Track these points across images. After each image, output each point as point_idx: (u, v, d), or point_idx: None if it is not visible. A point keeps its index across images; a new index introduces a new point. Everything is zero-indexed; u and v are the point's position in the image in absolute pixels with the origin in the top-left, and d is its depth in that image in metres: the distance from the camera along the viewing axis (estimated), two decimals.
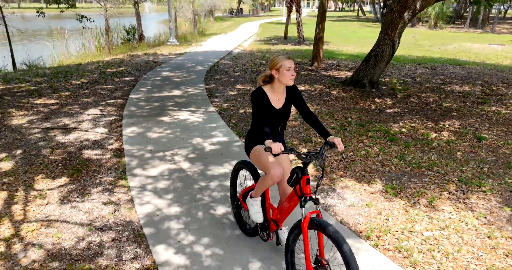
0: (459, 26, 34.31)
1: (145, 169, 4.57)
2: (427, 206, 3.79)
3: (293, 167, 2.56)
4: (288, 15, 21.03)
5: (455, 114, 7.05)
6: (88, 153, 5.07)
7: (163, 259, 3.01)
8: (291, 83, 2.70)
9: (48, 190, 4.09)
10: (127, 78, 9.96)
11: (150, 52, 15.66)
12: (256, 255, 3.03)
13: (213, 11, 40.37)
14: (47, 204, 3.82)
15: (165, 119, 6.51)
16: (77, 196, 3.97)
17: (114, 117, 6.64)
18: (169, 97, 8.01)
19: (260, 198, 2.93)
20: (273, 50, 16.44)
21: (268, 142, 2.44)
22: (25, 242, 3.22)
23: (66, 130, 5.97)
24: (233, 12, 57.43)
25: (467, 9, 33.91)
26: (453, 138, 5.75)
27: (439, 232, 3.36)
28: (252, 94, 2.72)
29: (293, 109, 6.76)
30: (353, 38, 23.08)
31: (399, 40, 8.28)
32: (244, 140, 5.54)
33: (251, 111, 6.93)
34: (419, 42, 21.07)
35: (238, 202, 3.32)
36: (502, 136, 5.89)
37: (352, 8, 79.28)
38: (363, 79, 8.66)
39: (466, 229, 3.41)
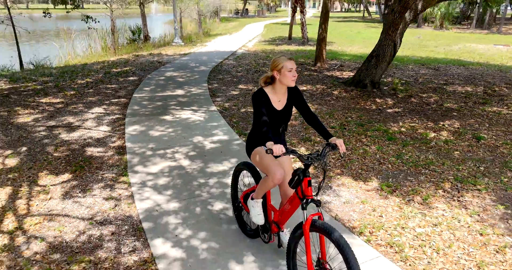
0: (466, 26, 34.15)
1: (146, 166, 4.67)
2: (421, 204, 3.85)
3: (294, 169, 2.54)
4: (293, 16, 21.09)
5: (455, 114, 7.08)
6: (91, 151, 5.18)
7: (160, 252, 3.10)
8: (292, 84, 2.66)
9: (52, 185, 4.21)
10: (131, 78, 10.10)
11: (155, 52, 15.81)
12: (251, 249, 3.11)
13: (219, 11, 40.53)
14: (50, 199, 3.93)
15: (167, 117, 6.62)
16: (79, 192, 4.08)
17: (117, 116, 6.76)
18: (172, 97, 8.12)
19: (261, 200, 2.91)
20: (277, 50, 16.52)
21: (269, 144, 2.42)
22: (28, 235, 3.33)
23: (70, 128, 6.10)
24: (238, 12, 57.60)
25: (474, 10, 33.72)
26: (451, 137, 5.79)
27: (432, 228, 3.42)
28: (253, 95, 2.69)
29: (293, 109, 6.83)
30: (357, 38, 23.09)
31: (401, 41, 8.32)
32: (244, 138, 5.64)
33: (252, 110, 7.02)
34: (423, 42, 21.02)
35: (239, 204, 3.30)
36: (501, 136, 5.92)
37: (358, 9, 79.17)
38: (364, 79, 8.71)
39: (458, 226, 3.46)
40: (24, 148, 5.23)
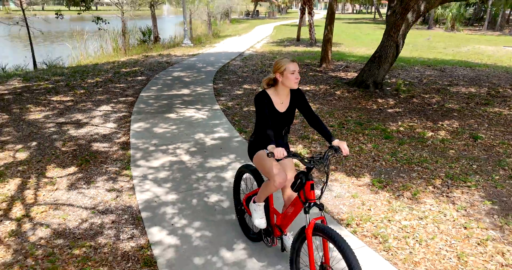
0: (477, 28, 33.82)
1: (148, 161, 4.88)
2: (410, 199, 3.97)
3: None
4: (301, 17, 21.23)
5: (455, 114, 7.15)
6: (97, 146, 5.42)
7: (156, 239, 3.29)
8: (295, 87, 2.64)
9: (58, 177, 4.44)
10: (139, 78, 10.37)
11: (164, 53, 16.11)
12: (242, 237, 3.28)
13: (229, 13, 40.85)
14: (56, 189, 4.16)
15: (172, 115, 6.84)
16: (84, 184, 4.30)
17: (124, 114, 7.00)
18: (178, 96, 8.34)
19: (264, 203, 2.89)
20: (284, 51, 16.68)
21: (271, 147, 2.39)
22: (34, 222, 3.55)
23: (79, 124, 6.35)
24: (249, 14, 57.89)
25: (487, 11, 33.38)
26: (449, 137, 5.88)
27: (417, 221, 3.54)
28: (255, 97, 2.68)
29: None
30: (366, 40, 23.10)
31: (403, 42, 8.41)
32: (244, 136, 5.81)
33: (254, 109, 7.19)
34: (433, 44, 20.95)
35: (241, 207, 3.28)
36: (499, 136, 5.98)
37: (369, 10, 78.80)
38: (367, 79, 8.82)
39: (444, 220, 3.58)
40: (34, 143, 5.49)
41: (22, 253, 3.11)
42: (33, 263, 2.99)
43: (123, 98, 8.12)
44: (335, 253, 2.86)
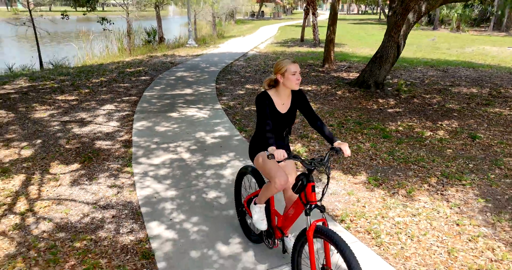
0: (483, 29, 33.65)
1: (149, 158, 4.98)
2: (405, 196, 4.04)
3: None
4: (305, 18, 21.29)
5: (455, 114, 7.19)
6: (99, 144, 5.54)
7: (155, 233, 3.39)
8: (296, 88, 2.64)
9: (61, 174, 4.56)
10: (143, 77, 10.50)
11: (169, 53, 16.26)
12: (238, 231, 3.37)
13: (234, 14, 41.00)
14: (59, 185, 4.28)
15: (174, 114, 6.95)
16: (86, 180, 4.42)
17: (127, 112, 7.12)
18: (180, 95, 8.46)
19: (264, 205, 2.88)
20: (288, 52, 16.76)
21: (271, 148, 2.38)
22: (37, 216, 3.67)
23: (82, 123, 6.48)
24: (254, 15, 58.03)
25: (493, 12, 33.21)
26: (447, 136, 5.93)
27: (410, 218, 3.61)
28: (256, 98, 2.67)
29: None
30: (370, 40, 23.10)
31: (404, 42, 8.46)
32: (244, 134, 5.90)
33: (255, 108, 7.28)
34: (437, 45, 20.91)
35: (242, 208, 3.28)
36: (498, 135, 6.01)
37: (375, 11, 78.61)
38: (368, 80, 8.87)
39: (437, 217, 3.64)
40: (39, 141, 5.62)
41: (25, 246, 3.22)
42: (35, 255, 3.10)
43: (127, 98, 8.25)
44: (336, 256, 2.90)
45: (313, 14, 18.79)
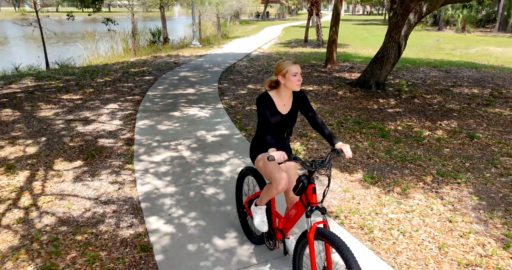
0: (488, 30, 33.51)
1: (150, 156, 5.09)
2: (400, 194, 4.10)
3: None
4: (309, 19, 21.38)
5: (455, 114, 7.23)
6: (102, 141, 5.66)
7: (153, 227, 3.49)
8: (297, 89, 2.62)
9: (65, 170, 4.68)
10: (147, 77, 10.64)
11: (173, 53, 16.41)
12: (234, 226, 3.46)
13: (239, 14, 41.15)
14: (62, 181, 4.40)
15: (176, 114, 7.06)
16: (89, 176, 4.53)
17: (130, 111, 7.24)
18: (183, 95, 8.57)
19: (265, 206, 2.87)
20: (291, 52, 16.84)
21: (271, 150, 2.37)
22: (41, 211, 3.78)
23: (86, 121, 6.61)
24: (259, 15, 58.17)
25: (498, 13, 33.05)
26: (445, 136, 5.98)
27: (404, 215, 3.68)
28: (257, 99, 2.66)
29: None
30: (374, 41, 23.12)
31: (405, 43, 8.51)
32: (244, 133, 6.00)
33: (255, 108, 7.37)
34: (441, 45, 20.90)
35: (243, 209, 3.28)
36: (496, 135, 6.05)
37: (380, 12, 78.41)
38: (369, 80, 8.93)
39: (430, 214, 3.71)
40: (43, 138, 5.76)
41: (28, 238, 3.33)
42: (38, 247, 3.21)
43: (130, 97, 8.38)
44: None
45: (317, 14, 18.86)
